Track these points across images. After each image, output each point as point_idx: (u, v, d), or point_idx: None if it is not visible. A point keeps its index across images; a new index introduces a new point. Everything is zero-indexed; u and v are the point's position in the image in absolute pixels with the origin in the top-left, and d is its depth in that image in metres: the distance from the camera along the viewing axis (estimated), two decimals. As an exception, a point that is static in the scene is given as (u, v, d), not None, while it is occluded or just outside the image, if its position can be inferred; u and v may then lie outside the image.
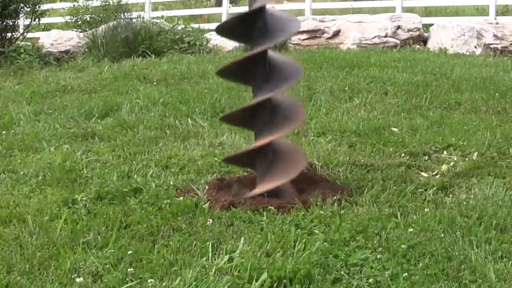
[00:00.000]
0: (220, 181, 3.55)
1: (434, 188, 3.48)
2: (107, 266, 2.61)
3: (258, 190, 3.33)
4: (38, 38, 10.36)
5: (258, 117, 3.39)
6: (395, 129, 4.63)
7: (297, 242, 2.78)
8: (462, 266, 2.57)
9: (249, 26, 3.37)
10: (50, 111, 5.64)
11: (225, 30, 3.65)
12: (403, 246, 2.72)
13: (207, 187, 3.42)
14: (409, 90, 5.89)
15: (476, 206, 3.16)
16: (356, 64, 7.27)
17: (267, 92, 3.32)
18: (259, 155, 3.39)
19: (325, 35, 9.79)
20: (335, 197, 3.25)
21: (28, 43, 9.58)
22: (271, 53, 3.43)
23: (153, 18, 10.56)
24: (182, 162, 4.00)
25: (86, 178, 3.78)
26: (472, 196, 3.36)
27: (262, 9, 3.35)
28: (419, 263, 2.60)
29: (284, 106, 3.43)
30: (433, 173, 3.79)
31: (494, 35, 8.86)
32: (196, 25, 10.20)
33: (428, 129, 4.66)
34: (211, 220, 3.06)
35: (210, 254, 2.71)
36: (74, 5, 11.89)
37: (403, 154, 4.08)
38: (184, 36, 9.39)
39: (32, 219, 3.12)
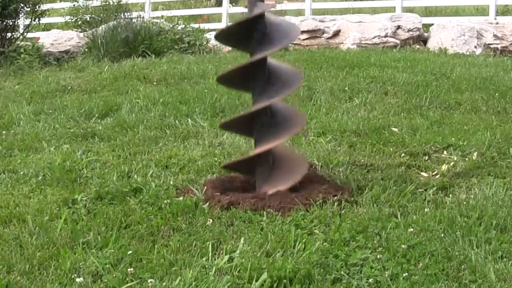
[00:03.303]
0: (219, 181, 3.54)
1: (434, 188, 3.48)
2: (107, 266, 2.61)
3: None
4: (38, 38, 10.36)
5: (258, 124, 3.38)
6: (395, 129, 4.63)
7: (297, 242, 2.78)
8: (462, 266, 2.57)
9: (248, 33, 3.36)
10: (50, 111, 5.64)
11: (224, 37, 3.66)
12: (403, 246, 2.72)
13: (205, 187, 3.42)
14: (409, 90, 5.89)
15: (476, 206, 3.16)
16: (356, 64, 7.27)
17: (267, 99, 3.32)
18: (259, 162, 3.38)
19: (325, 35, 9.79)
20: (335, 197, 3.25)
21: (28, 43, 9.58)
22: (270, 60, 3.42)
23: (153, 18, 10.57)
24: (182, 162, 4.00)
25: (86, 178, 3.78)
26: (472, 196, 3.36)
27: (261, 16, 3.33)
28: (419, 263, 2.60)
29: (284, 113, 3.42)
30: (433, 173, 3.79)
31: (494, 35, 8.86)
32: (196, 25, 10.20)
33: (428, 129, 4.66)
34: (211, 220, 3.06)
35: (210, 254, 2.71)
36: (74, 5, 11.89)
37: (403, 154, 4.08)
38: (184, 36, 9.39)
39: (32, 219, 3.12)
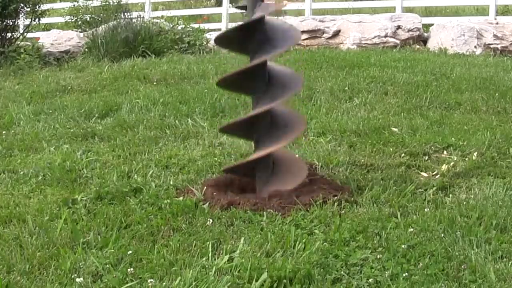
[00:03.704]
0: (219, 181, 3.54)
1: (434, 188, 3.48)
2: (107, 266, 2.61)
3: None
4: (38, 38, 10.36)
5: (257, 128, 3.38)
6: (395, 129, 4.63)
7: (297, 242, 2.78)
8: (462, 266, 2.57)
9: (248, 37, 3.35)
10: (50, 111, 5.64)
11: (223, 42, 3.66)
12: (403, 246, 2.72)
13: (205, 187, 3.41)
14: (409, 90, 5.89)
15: (476, 206, 3.16)
16: (356, 64, 7.27)
17: (267, 103, 3.32)
18: (259, 165, 3.38)
19: (325, 35, 9.79)
20: (335, 197, 3.25)
21: (28, 43, 9.58)
22: (271, 63, 3.41)
23: (153, 18, 10.56)
24: (182, 162, 4.00)
25: (86, 178, 3.79)
26: (472, 196, 3.36)
27: (261, 20, 3.33)
28: (419, 263, 2.60)
29: (284, 117, 3.42)
30: (433, 173, 3.79)
31: (494, 35, 8.86)
32: (196, 25, 10.20)
33: (428, 129, 4.66)
34: (211, 220, 3.06)
35: (210, 254, 2.71)
36: (74, 5, 11.88)
37: (403, 154, 4.08)
38: (184, 36, 9.39)
39: (32, 219, 3.12)
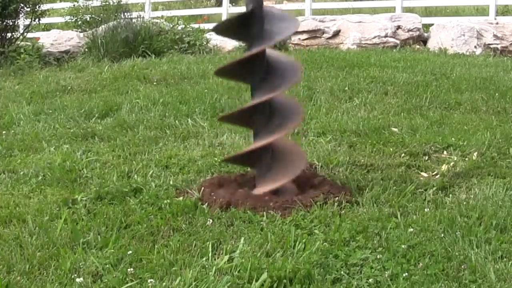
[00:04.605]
0: (217, 181, 3.54)
1: (434, 188, 3.48)
2: (107, 266, 2.61)
3: (259, 190, 3.33)
4: (38, 38, 10.36)
5: (257, 118, 3.39)
6: (395, 129, 4.63)
7: (297, 242, 2.78)
8: (462, 266, 2.57)
9: (246, 26, 3.36)
10: (50, 111, 5.64)
11: (222, 30, 3.66)
12: (403, 246, 2.72)
13: (203, 188, 3.41)
14: (409, 90, 5.89)
15: (476, 206, 3.16)
16: (356, 64, 7.27)
17: (265, 93, 3.32)
18: (259, 155, 3.38)
19: (325, 35, 9.79)
20: (337, 197, 3.25)
21: (28, 43, 9.58)
22: (270, 52, 3.41)
23: (153, 18, 10.57)
24: (182, 162, 4.00)
25: (86, 178, 3.78)
26: (472, 196, 3.36)
27: (259, 8, 3.33)
28: (419, 263, 2.60)
29: (283, 106, 3.42)
30: (433, 173, 3.79)
31: (494, 35, 8.86)
32: (196, 25, 10.20)
33: (428, 129, 4.66)
34: (211, 220, 3.06)
35: (210, 254, 2.71)
36: (74, 5, 11.89)
37: (403, 154, 4.08)
38: (184, 36, 9.39)
39: (32, 219, 3.12)
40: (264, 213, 3.13)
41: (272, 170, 3.36)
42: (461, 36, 8.90)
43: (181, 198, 3.35)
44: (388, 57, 7.85)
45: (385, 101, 5.56)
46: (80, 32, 10.45)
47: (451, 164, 3.85)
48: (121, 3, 11.63)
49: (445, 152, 4.17)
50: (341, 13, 11.31)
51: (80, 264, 2.63)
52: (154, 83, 6.76)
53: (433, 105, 5.39)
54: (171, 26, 9.65)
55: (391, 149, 4.18)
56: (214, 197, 3.28)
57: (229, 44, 9.56)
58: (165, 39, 9.12)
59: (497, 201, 3.26)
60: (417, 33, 9.49)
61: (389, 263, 2.60)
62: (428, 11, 12.31)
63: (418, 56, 7.99)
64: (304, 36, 9.77)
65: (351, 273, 2.55)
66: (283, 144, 3.51)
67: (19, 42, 9.34)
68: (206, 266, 2.60)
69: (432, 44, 9.23)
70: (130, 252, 2.73)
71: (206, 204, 3.25)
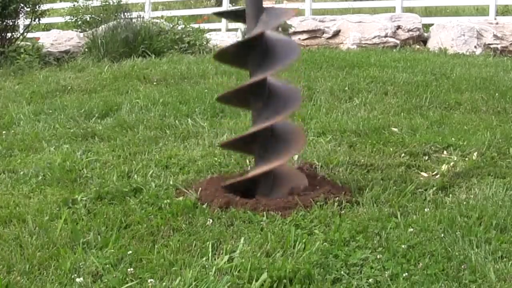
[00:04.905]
0: (215, 180, 3.53)
1: (434, 188, 3.48)
2: (107, 266, 2.61)
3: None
4: (38, 38, 10.35)
5: (257, 144, 3.38)
6: (395, 129, 4.63)
7: (297, 242, 2.78)
8: (462, 266, 2.57)
9: (248, 53, 3.34)
10: (50, 111, 5.64)
11: (223, 58, 3.67)
12: (403, 246, 2.72)
13: (200, 188, 3.40)
14: (409, 90, 5.89)
15: (476, 206, 3.16)
16: (356, 64, 7.27)
17: (266, 120, 3.31)
18: (260, 181, 3.36)
19: (325, 35, 9.80)
20: (337, 197, 3.24)
21: (28, 43, 9.58)
22: (270, 78, 3.38)
23: (153, 18, 10.56)
24: (182, 162, 4.00)
25: (86, 178, 3.78)
26: (472, 196, 3.36)
27: (261, 36, 3.30)
28: (419, 263, 2.60)
29: (284, 131, 3.42)
30: (433, 173, 3.79)
31: (494, 35, 8.86)
32: (196, 25, 10.20)
33: (428, 129, 4.66)
34: (211, 220, 3.06)
35: (210, 254, 2.71)
36: (74, 5, 11.89)
37: (403, 154, 4.08)
38: (184, 36, 9.39)
39: (32, 219, 3.12)
40: (264, 213, 3.13)
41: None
42: (461, 36, 8.90)
43: (181, 198, 3.35)
44: (388, 57, 7.85)
45: (385, 101, 5.56)
46: (80, 32, 10.45)
47: (451, 164, 3.85)
48: (121, 3, 11.63)
49: (445, 152, 4.17)
50: (341, 13, 11.32)
51: (80, 264, 2.63)
52: (154, 83, 6.76)
53: (433, 105, 5.39)
54: (171, 26, 9.65)
55: (391, 149, 4.18)
56: (213, 197, 3.27)
57: (229, 44, 9.55)
58: (165, 39, 9.12)
59: (497, 201, 3.26)
60: (417, 33, 9.49)
61: (389, 263, 2.60)
62: (428, 11, 12.32)
63: (418, 56, 7.99)
64: (304, 36, 9.77)
65: (351, 273, 2.55)
66: (284, 168, 3.47)
67: (19, 42, 9.33)
68: (206, 266, 2.60)
69: (432, 44, 9.23)
70: (130, 252, 2.73)
71: (206, 204, 3.24)
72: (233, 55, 3.48)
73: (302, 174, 3.52)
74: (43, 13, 9.69)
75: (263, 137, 3.35)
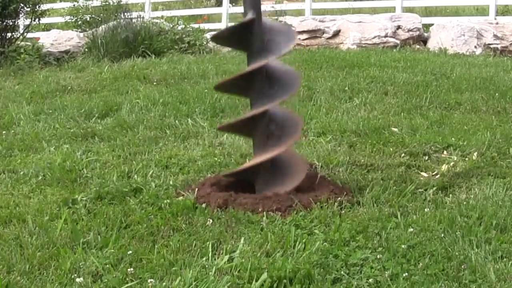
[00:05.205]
0: (213, 180, 3.53)
1: (434, 188, 3.48)
2: (107, 266, 2.61)
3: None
4: (38, 38, 10.36)
5: (256, 129, 3.38)
6: (395, 129, 4.63)
7: (297, 242, 2.78)
8: (462, 266, 2.57)
9: (244, 39, 3.33)
10: (50, 111, 5.64)
11: (222, 39, 3.66)
12: (403, 246, 2.72)
13: (197, 189, 3.40)
14: (409, 90, 5.89)
15: (476, 206, 3.16)
16: (356, 64, 7.27)
17: (264, 103, 3.31)
18: (258, 169, 3.36)
19: (325, 35, 9.79)
20: (337, 197, 3.24)
21: (28, 43, 9.58)
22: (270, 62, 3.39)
23: (153, 18, 10.57)
24: (182, 162, 4.00)
25: (86, 178, 3.78)
26: (472, 196, 3.36)
27: (256, 20, 3.30)
28: (419, 263, 2.60)
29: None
30: (433, 173, 3.79)
31: (494, 35, 8.86)
32: (196, 25, 10.20)
33: (428, 129, 4.66)
34: (211, 220, 3.06)
35: (210, 254, 2.71)
36: (74, 5, 11.89)
37: (403, 154, 4.08)
38: (184, 36, 9.39)
39: (32, 219, 3.12)
40: (264, 213, 3.13)
41: (272, 181, 3.34)
42: (461, 36, 8.90)
43: (181, 198, 3.35)
44: (388, 57, 7.85)
45: (385, 101, 5.56)
46: (80, 32, 10.45)
47: (451, 164, 3.85)
48: (121, 3, 11.63)
49: (445, 152, 4.17)
50: (341, 13, 11.32)
51: (80, 264, 2.63)
52: (154, 83, 6.76)
53: (433, 105, 5.39)
54: (171, 26, 9.65)
55: (391, 149, 4.18)
56: (211, 197, 3.27)
57: (229, 44, 9.56)
58: (165, 39, 9.13)
59: (497, 201, 3.26)
60: (417, 33, 9.49)
61: (389, 263, 2.60)
62: (428, 11, 12.32)
63: (418, 56, 7.99)
64: (304, 36, 9.77)
65: (351, 273, 2.55)
66: (284, 153, 3.48)
67: (19, 42, 9.34)
68: (206, 266, 2.60)
69: (432, 44, 9.23)
70: (130, 252, 2.73)
71: (204, 204, 3.24)
72: (229, 38, 3.53)
73: (303, 160, 3.52)
74: (43, 13, 9.70)
75: (261, 121, 3.35)
